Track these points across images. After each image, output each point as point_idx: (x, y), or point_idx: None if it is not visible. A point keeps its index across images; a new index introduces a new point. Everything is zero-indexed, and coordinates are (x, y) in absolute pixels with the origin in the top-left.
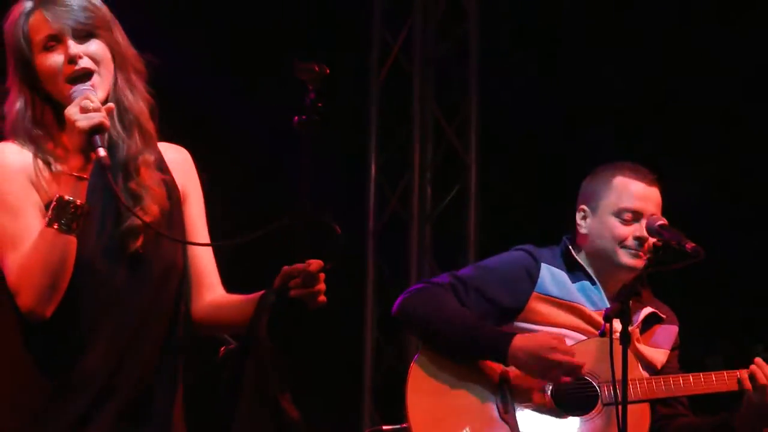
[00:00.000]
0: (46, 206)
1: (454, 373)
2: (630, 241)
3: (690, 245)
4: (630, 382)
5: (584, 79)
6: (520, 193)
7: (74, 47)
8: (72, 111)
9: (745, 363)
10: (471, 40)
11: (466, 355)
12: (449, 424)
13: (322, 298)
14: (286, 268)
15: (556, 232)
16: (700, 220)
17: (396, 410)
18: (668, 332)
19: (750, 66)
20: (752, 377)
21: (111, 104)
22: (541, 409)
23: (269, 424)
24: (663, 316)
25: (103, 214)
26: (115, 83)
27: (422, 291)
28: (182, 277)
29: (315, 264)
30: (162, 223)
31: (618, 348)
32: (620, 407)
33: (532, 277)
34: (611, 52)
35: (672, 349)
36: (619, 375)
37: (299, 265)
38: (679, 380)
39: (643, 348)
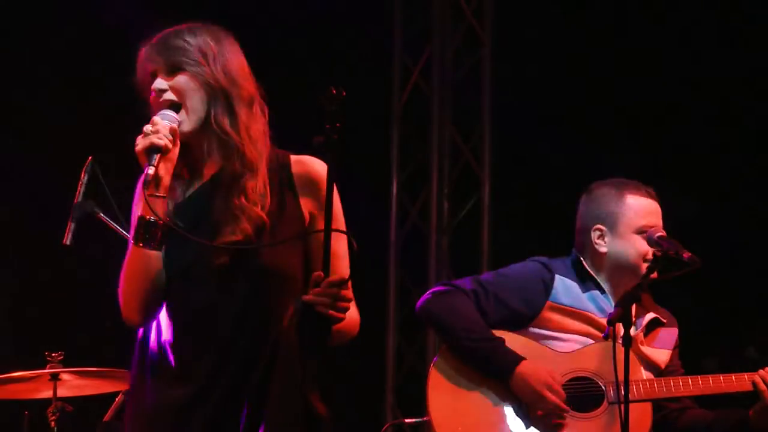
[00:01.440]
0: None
1: (471, 374)
2: (650, 255)
3: (687, 255)
4: (633, 383)
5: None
6: (529, 207)
7: (157, 82)
8: (138, 141)
9: (739, 364)
10: (485, 66)
11: (477, 364)
12: (467, 419)
13: (341, 315)
14: (314, 275)
15: (562, 243)
16: (696, 228)
17: (415, 407)
18: (669, 334)
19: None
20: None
21: (174, 125)
22: (552, 408)
23: (298, 420)
24: (664, 320)
25: (200, 230)
26: (209, 112)
27: (445, 295)
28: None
29: (339, 279)
30: (259, 240)
31: (621, 350)
32: (623, 406)
33: (547, 287)
34: (617, 71)
35: (673, 349)
36: (621, 375)
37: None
38: (679, 382)
39: (647, 350)
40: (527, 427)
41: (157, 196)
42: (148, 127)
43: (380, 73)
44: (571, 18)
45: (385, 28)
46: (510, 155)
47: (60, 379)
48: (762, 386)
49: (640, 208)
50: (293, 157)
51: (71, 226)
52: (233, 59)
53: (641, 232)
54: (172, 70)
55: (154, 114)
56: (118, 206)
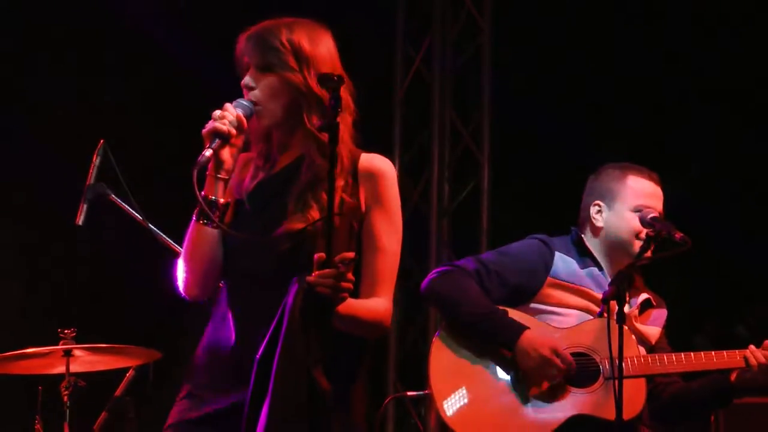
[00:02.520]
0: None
1: (473, 348)
2: (644, 234)
3: (678, 235)
4: (628, 359)
5: (584, 84)
6: (527, 189)
7: (247, 79)
8: (214, 114)
9: (729, 342)
10: (485, 53)
11: (482, 338)
12: (467, 391)
13: (343, 294)
14: (317, 256)
15: (559, 224)
16: (689, 212)
17: (417, 382)
18: (660, 314)
19: None
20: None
21: (241, 114)
22: (550, 382)
23: (302, 393)
24: (654, 302)
25: (262, 215)
26: (289, 116)
27: (448, 274)
28: None
29: (340, 258)
30: (321, 231)
31: (616, 327)
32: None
33: (547, 263)
34: (617, 61)
35: (663, 328)
36: (615, 351)
37: (325, 270)
38: (673, 358)
39: (640, 326)
40: (527, 400)
41: (219, 177)
42: (216, 113)
43: (383, 60)
44: (569, 4)
45: (387, 16)
46: (509, 139)
47: (72, 355)
48: (752, 360)
49: (638, 188)
50: (363, 155)
51: (83, 207)
52: (327, 61)
53: (637, 210)
54: (264, 69)
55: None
56: (129, 188)
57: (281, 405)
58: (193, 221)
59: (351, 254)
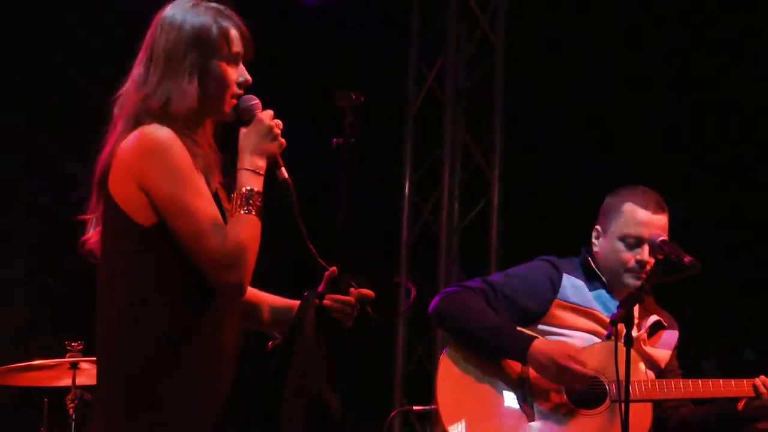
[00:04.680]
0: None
1: (480, 366)
2: (632, 264)
3: (688, 259)
4: (635, 383)
5: (596, 105)
6: (537, 209)
7: (247, 75)
8: (272, 121)
9: (737, 365)
10: (498, 73)
11: (491, 353)
12: (473, 408)
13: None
14: (328, 273)
15: (569, 245)
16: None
17: (422, 398)
18: (671, 336)
19: None
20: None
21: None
22: (556, 403)
23: (312, 413)
24: (666, 323)
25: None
26: None
27: (456, 294)
28: None
29: (356, 296)
30: None
31: (623, 350)
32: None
33: (555, 285)
34: (632, 82)
35: (673, 349)
36: (622, 374)
37: (342, 297)
38: (680, 384)
39: (650, 350)
40: (533, 419)
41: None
42: (280, 125)
43: (396, 79)
44: (584, 24)
45: (402, 35)
46: (519, 159)
47: (79, 368)
48: (762, 389)
49: (630, 217)
50: None
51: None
52: None
53: (623, 239)
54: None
55: (207, 78)
56: None
57: (293, 422)
58: (252, 218)
59: (371, 293)
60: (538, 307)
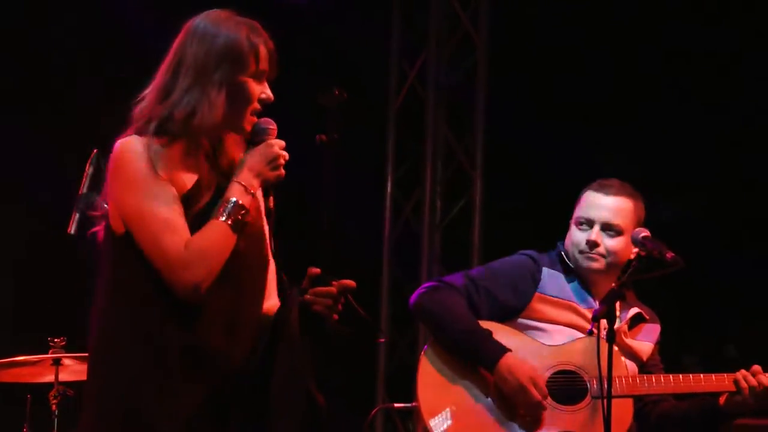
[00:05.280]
0: (184, 196)
1: (460, 363)
2: (583, 245)
3: (670, 255)
4: (616, 379)
5: (578, 102)
6: (519, 206)
7: (270, 92)
8: (280, 151)
9: (719, 362)
10: (480, 70)
11: (464, 356)
12: (453, 406)
13: (336, 316)
14: (311, 269)
15: (551, 241)
16: (681, 233)
17: (404, 396)
18: (652, 329)
19: None
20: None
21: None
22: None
23: (300, 409)
24: (647, 317)
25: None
26: None
27: (436, 290)
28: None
29: (338, 287)
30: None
31: (605, 346)
32: (605, 400)
33: (535, 279)
34: (613, 80)
35: (655, 343)
36: (605, 371)
37: (323, 289)
38: (661, 379)
39: (630, 342)
40: (509, 417)
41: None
42: (285, 157)
43: (378, 76)
44: (566, 22)
45: (383, 32)
46: (501, 156)
47: (62, 364)
48: (743, 384)
49: (584, 201)
50: None
51: (75, 216)
52: None
53: (577, 223)
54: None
55: (227, 91)
56: None
57: (281, 421)
58: (219, 220)
59: (353, 283)
60: (518, 301)
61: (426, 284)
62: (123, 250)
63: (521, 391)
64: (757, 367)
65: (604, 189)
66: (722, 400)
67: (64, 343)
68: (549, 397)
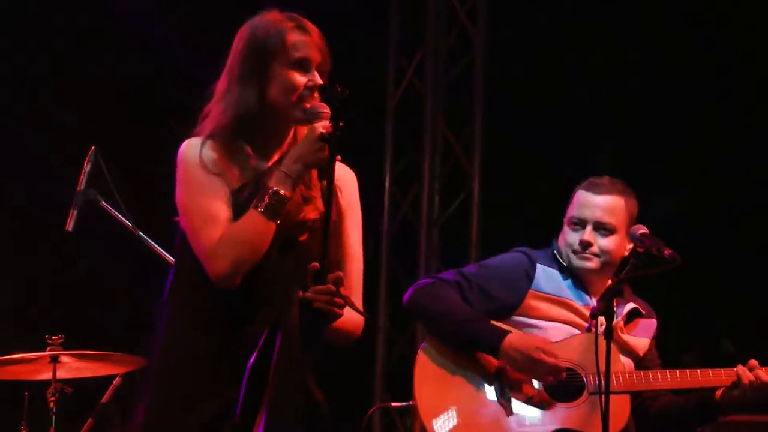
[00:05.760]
0: (235, 191)
1: (457, 360)
2: (576, 246)
3: (668, 251)
4: (614, 375)
5: (577, 98)
6: (516, 201)
7: (318, 78)
8: (321, 131)
9: (717, 358)
10: (477, 66)
11: (464, 346)
12: (451, 403)
13: (340, 310)
14: (312, 265)
15: (548, 238)
16: (678, 229)
17: (404, 393)
18: (649, 324)
19: None
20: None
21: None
22: (533, 395)
23: (299, 404)
24: (643, 312)
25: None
26: None
27: (430, 286)
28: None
29: (333, 280)
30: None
31: (602, 342)
32: (604, 396)
33: (529, 276)
34: (612, 76)
35: (652, 338)
36: (602, 366)
37: (322, 287)
38: (658, 375)
39: (627, 338)
40: (511, 413)
41: (287, 175)
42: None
43: (376, 72)
44: (565, 17)
45: (381, 28)
46: (499, 152)
47: (60, 362)
48: (744, 379)
49: (575, 201)
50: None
51: (74, 213)
52: None
53: (570, 222)
54: (321, 73)
55: (267, 85)
56: (120, 195)
57: (280, 415)
58: (254, 210)
59: (341, 274)
60: (513, 298)
61: (419, 281)
62: (183, 241)
63: (533, 363)
64: (754, 362)
65: (594, 188)
66: (719, 394)
67: (61, 340)
68: (546, 394)
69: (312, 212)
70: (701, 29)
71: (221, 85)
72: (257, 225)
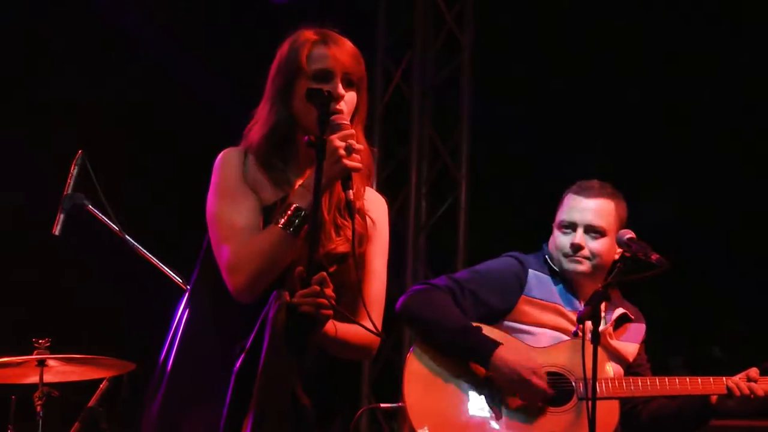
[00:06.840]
0: (268, 207)
1: (447, 364)
2: (567, 249)
3: (655, 256)
4: (602, 381)
5: (564, 103)
6: (505, 207)
7: (341, 88)
8: (339, 143)
9: (704, 363)
10: (465, 71)
11: (456, 354)
12: (440, 406)
13: (327, 311)
14: (297, 270)
15: (536, 243)
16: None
17: (389, 397)
18: (637, 329)
19: None
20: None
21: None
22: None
23: (286, 411)
24: (632, 316)
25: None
26: None
27: (423, 292)
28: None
29: (317, 281)
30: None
31: (590, 347)
32: (591, 402)
33: (521, 281)
34: (598, 81)
35: (641, 343)
36: (590, 372)
37: (307, 290)
38: (647, 382)
39: (616, 344)
40: (500, 417)
41: (307, 189)
42: (355, 145)
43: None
44: (552, 23)
45: (368, 32)
46: (486, 157)
47: (46, 365)
48: (737, 393)
49: (565, 204)
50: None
51: (60, 217)
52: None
53: (560, 226)
54: (349, 84)
55: (293, 100)
56: (107, 199)
57: (265, 421)
58: (276, 226)
59: (323, 274)
60: (504, 303)
61: (412, 288)
62: (209, 246)
63: (523, 383)
64: (754, 372)
65: (584, 191)
66: (714, 399)
67: (48, 344)
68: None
69: (342, 245)
70: (694, 29)
71: (261, 104)
72: (275, 238)
